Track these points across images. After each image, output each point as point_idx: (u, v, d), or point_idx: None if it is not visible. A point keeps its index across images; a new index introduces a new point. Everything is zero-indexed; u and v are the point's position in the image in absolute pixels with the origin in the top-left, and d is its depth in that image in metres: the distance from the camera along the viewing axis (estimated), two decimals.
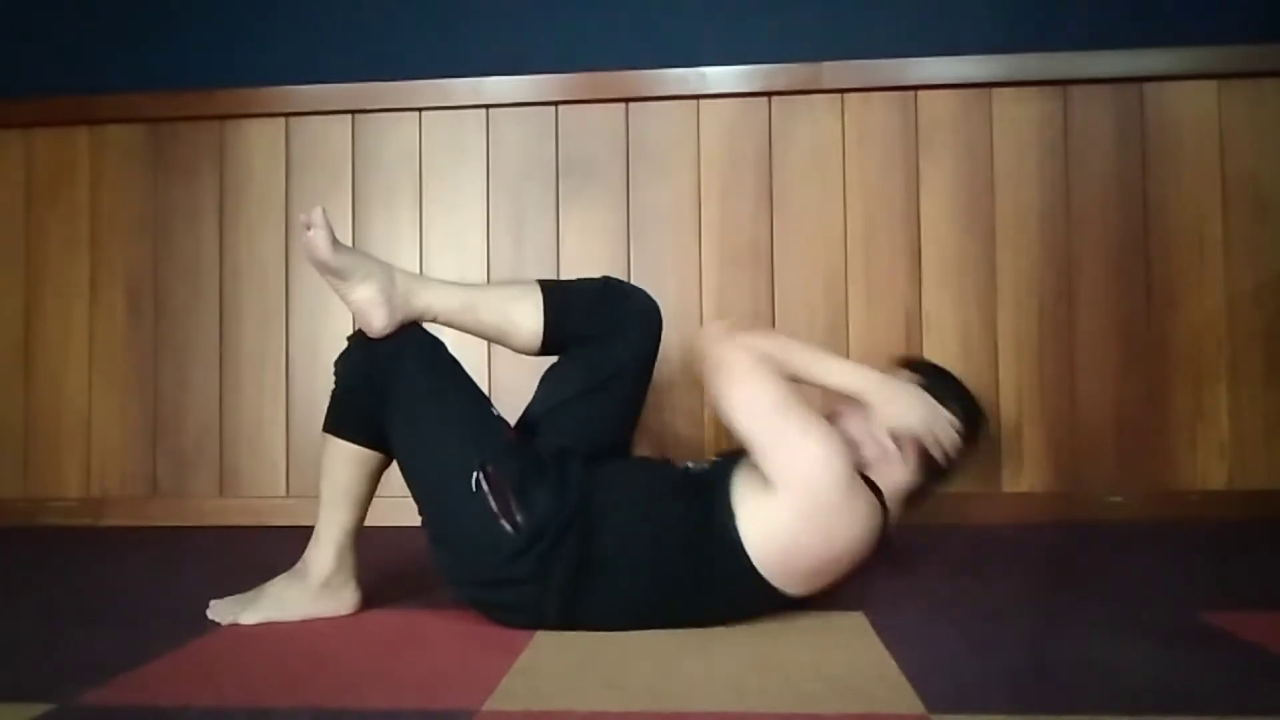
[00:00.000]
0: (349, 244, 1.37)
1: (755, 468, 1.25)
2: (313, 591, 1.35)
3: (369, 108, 2.29)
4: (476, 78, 2.26)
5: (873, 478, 1.28)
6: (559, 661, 1.13)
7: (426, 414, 1.30)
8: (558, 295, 1.39)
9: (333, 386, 1.36)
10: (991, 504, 2.13)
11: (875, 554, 1.27)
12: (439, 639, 1.25)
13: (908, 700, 0.97)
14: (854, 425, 1.32)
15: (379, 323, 1.30)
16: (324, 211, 1.29)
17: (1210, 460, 2.13)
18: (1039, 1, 2.18)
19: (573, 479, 1.27)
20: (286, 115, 2.31)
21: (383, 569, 1.59)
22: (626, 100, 2.24)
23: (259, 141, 2.32)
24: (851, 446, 1.27)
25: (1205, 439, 2.13)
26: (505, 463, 1.26)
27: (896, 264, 2.19)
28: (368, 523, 1.39)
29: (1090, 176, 2.17)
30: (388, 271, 1.33)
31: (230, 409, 2.30)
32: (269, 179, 2.31)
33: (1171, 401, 2.14)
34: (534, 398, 1.45)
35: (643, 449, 2.12)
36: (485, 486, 1.24)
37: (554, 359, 1.46)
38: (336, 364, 1.36)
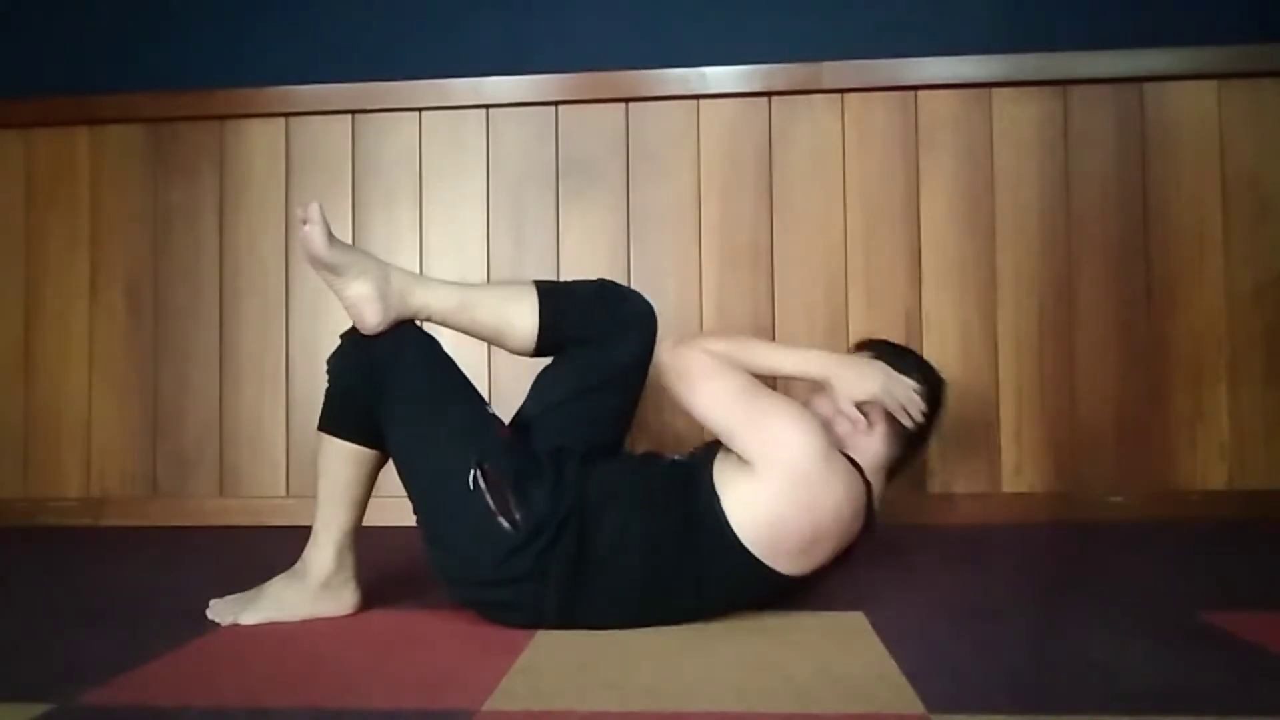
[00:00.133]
0: (349, 244, 1.37)
1: (731, 453, 1.28)
2: (312, 592, 1.35)
3: (369, 108, 2.29)
4: (476, 78, 2.26)
5: (850, 454, 1.31)
6: (559, 661, 1.13)
7: (423, 412, 1.30)
8: (554, 297, 1.40)
9: (327, 385, 1.35)
10: (991, 504, 2.14)
11: (864, 531, 1.29)
12: (439, 639, 1.25)
13: (908, 700, 0.98)
14: (821, 406, 1.37)
15: (373, 319, 1.30)
16: (320, 207, 1.29)
17: (1210, 460, 2.13)
18: (1039, 1, 2.18)
19: (569, 478, 1.28)
20: (286, 115, 2.31)
21: (383, 569, 1.59)
22: (626, 100, 2.24)
23: (259, 141, 2.32)
24: (824, 426, 1.29)
25: (1205, 439, 2.13)
26: (502, 461, 1.27)
27: (896, 264, 2.19)
28: (367, 522, 1.39)
29: (1090, 176, 2.17)
30: (383, 269, 1.33)
31: (230, 409, 2.30)
32: (269, 179, 2.31)
33: (1171, 401, 2.14)
34: (528, 398, 1.46)
35: (642, 447, 2.12)
36: (483, 484, 1.24)
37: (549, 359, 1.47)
38: (330, 362, 1.35)
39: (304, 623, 1.33)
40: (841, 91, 2.20)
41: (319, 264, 1.30)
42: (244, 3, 2.35)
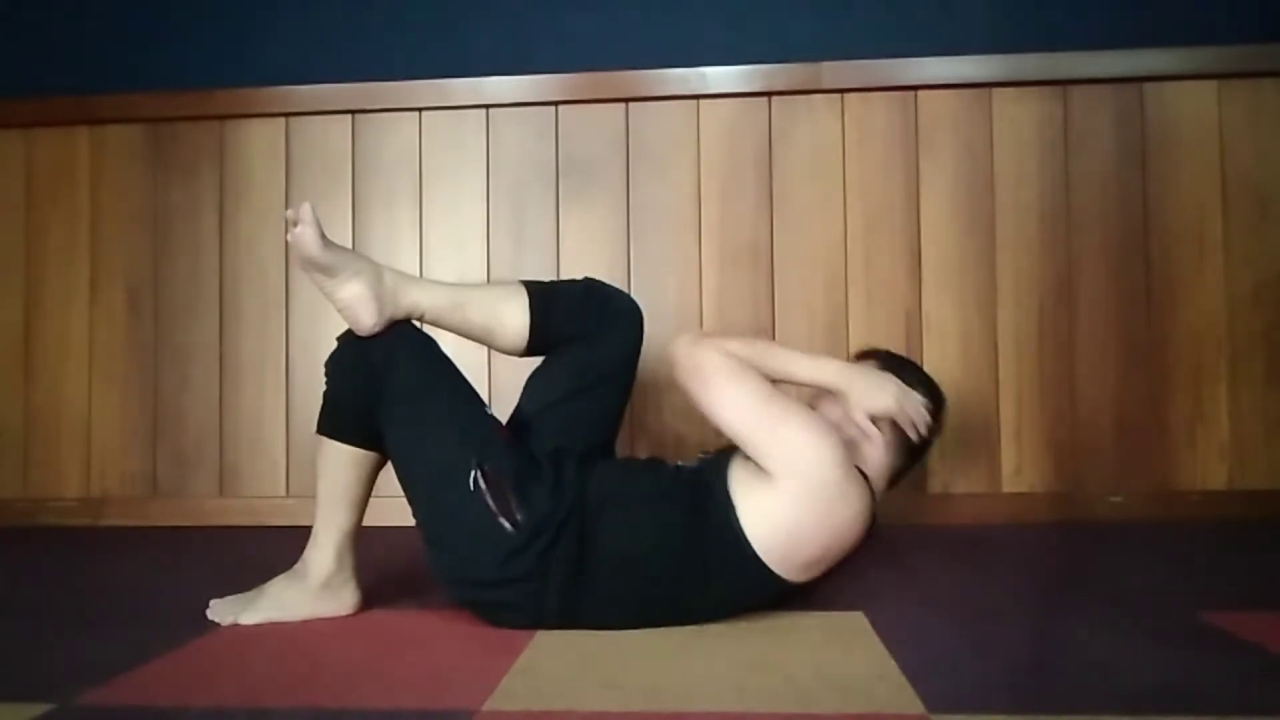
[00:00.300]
0: (349, 245, 1.37)
1: (748, 461, 1.27)
2: (312, 592, 1.35)
3: (369, 108, 2.29)
4: (476, 78, 2.26)
5: (856, 462, 1.31)
6: (559, 661, 1.13)
7: (422, 413, 1.30)
8: (543, 296, 1.41)
9: (324, 388, 1.35)
10: (991, 504, 2.14)
11: (866, 537, 1.29)
12: (439, 639, 1.25)
13: (908, 700, 0.98)
14: (832, 413, 1.36)
15: (368, 320, 1.30)
16: (311, 207, 1.28)
17: (1210, 460, 2.13)
18: (1039, 1, 2.18)
19: (568, 478, 1.28)
20: (286, 115, 2.30)
21: (383, 569, 1.59)
22: (626, 100, 2.24)
23: (259, 141, 2.32)
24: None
25: (1205, 439, 2.13)
26: (502, 462, 1.27)
27: (896, 264, 2.19)
28: (367, 522, 1.39)
29: (1090, 176, 2.17)
30: (376, 268, 1.33)
31: (230, 409, 2.30)
32: (269, 179, 2.31)
33: (1171, 401, 2.14)
34: (521, 398, 1.46)
35: (642, 449, 2.13)
36: (483, 485, 1.24)
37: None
38: (327, 365, 1.35)
39: (304, 623, 1.32)
40: (841, 91, 2.20)
41: (312, 266, 1.29)
42: (244, 3, 2.35)
